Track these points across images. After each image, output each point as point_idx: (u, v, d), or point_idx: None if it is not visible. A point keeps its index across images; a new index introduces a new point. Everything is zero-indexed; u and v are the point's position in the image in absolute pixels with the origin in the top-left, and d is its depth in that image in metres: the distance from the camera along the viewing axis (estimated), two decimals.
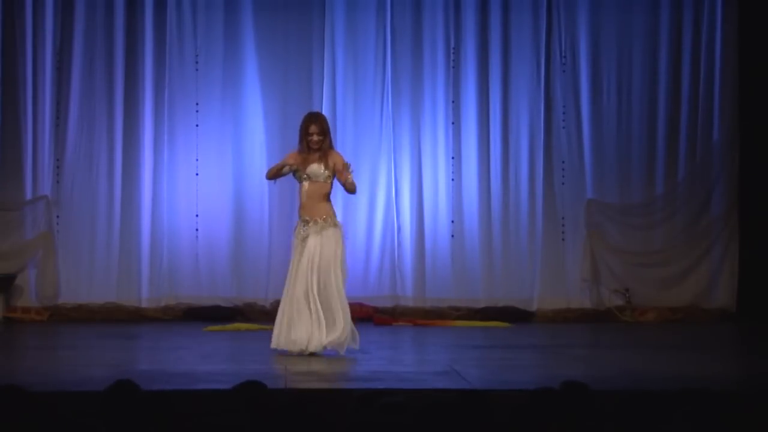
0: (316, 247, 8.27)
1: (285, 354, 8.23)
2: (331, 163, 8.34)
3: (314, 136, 8.37)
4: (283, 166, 8.50)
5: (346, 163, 8.34)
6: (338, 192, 8.81)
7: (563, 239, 11.67)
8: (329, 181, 8.38)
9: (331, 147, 8.44)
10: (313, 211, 8.34)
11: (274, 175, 8.61)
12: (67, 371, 7.54)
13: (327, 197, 8.38)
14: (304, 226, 8.36)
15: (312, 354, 8.17)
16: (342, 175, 8.30)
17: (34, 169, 11.29)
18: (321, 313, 8.18)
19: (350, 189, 8.42)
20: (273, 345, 8.33)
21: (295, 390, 6.70)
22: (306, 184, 8.39)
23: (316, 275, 8.24)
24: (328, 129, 8.45)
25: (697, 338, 10.45)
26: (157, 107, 11.42)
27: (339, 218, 8.51)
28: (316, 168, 8.35)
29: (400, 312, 11.39)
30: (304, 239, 8.33)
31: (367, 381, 7.26)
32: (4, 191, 11.29)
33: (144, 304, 11.35)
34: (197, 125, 11.46)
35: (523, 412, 4.40)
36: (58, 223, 11.33)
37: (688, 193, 11.71)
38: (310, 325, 8.19)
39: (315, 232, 8.30)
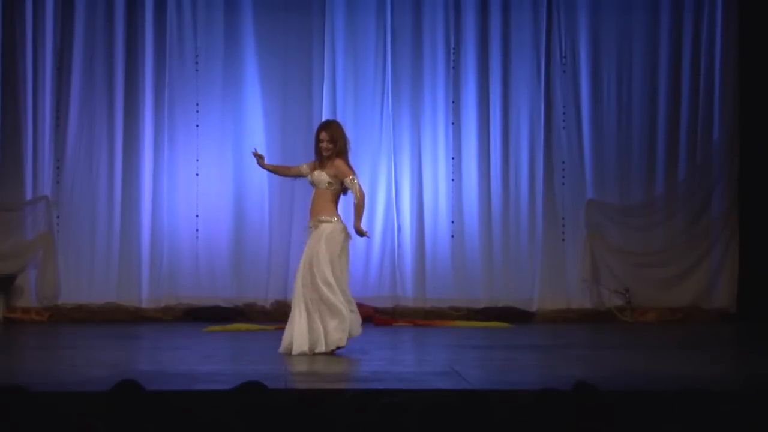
0: (309, 249, 8.32)
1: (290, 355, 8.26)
2: (333, 171, 8.38)
3: (323, 143, 8.44)
4: (258, 157, 8.78)
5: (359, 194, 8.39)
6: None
7: (563, 239, 11.67)
8: (333, 188, 8.40)
9: (339, 155, 8.43)
10: (315, 214, 8.41)
11: (274, 170, 8.99)
12: (67, 371, 7.54)
13: (331, 202, 8.41)
14: (310, 232, 8.43)
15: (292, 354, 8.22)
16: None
17: (34, 169, 11.29)
18: (306, 316, 8.24)
19: (357, 201, 8.44)
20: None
21: (295, 390, 6.70)
22: (314, 189, 8.49)
23: (303, 277, 8.29)
24: (339, 136, 8.45)
25: (697, 338, 10.45)
26: (157, 107, 11.42)
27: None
28: (318, 175, 8.43)
29: (401, 312, 11.39)
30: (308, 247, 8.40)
31: (367, 381, 7.26)
32: (4, 191, 11.29)
33: (144, 305, 11.35)
34: (197, 125, 11.46)
35: (525, 412, 4.40)
36: (58, 223, 11.33)
37: (688, 193, 11.70)
38: (294, 328, 8.24)
39: (312, 235, 8.35)
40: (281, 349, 8.33)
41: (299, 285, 8.33)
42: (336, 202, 8.47)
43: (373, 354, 8.48)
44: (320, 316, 8.27)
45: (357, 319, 8.43)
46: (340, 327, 8.26)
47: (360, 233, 8.51)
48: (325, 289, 8.24)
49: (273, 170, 8.93)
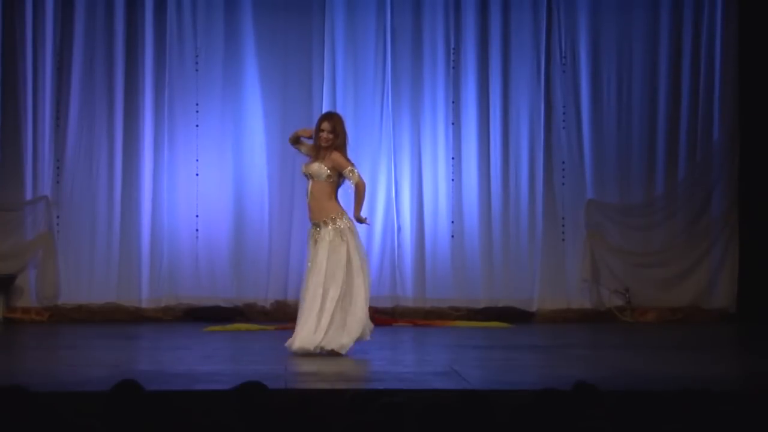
0: (326, 254, 8.29)
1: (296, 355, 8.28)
2: (329, 164, 8.36)
3: (324, 133, 8.42)
4: (303, 134, 8.61)
5: (351, 168, 8.36)
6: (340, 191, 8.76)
7: (563, 239, 11.67)
8: (331, 181, 8.38)
9: (338, 148, 8.42)
10: (320, 212, 8.37)
11: (293, 140, 8.71)
12: (67, 371, 7.55)
13: (332, 196, 8.40)
14: (315, 229, 8.39)
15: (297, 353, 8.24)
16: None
17: (34, 169, 11.29)
18: (323, 316, 8.22)
19: (357, 191, 8.42)
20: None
21: (295, 390, 6.70)
22: (310, 183, 8.45)
23: (323, 281, 8.26)
24: (341, 130, 8.44)
25: (697, 338, 10.45)
26: (157, 107, 11.42)
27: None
28: (317, 167, 8.39)
29: (400, 312, 11.39)
30: (316, 243, 8.35)
31: (367, 381, 7.27)
32: (4, 191, 11.28)
33: (144, 305, 11.34)
34: (197, 125, 11.45)
35: (525, 412, 4.40)
36: (58, 223, 11.33)
37: (688, 193, 11.70)
38: (306, 327, 8.23)
39: (325, 237, 8.31)
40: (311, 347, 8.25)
41: (316, 290, 8.29)
42: (336, 195, 8.45)
43: (373, 354, 8.47)
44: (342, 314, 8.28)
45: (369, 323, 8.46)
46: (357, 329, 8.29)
47: (360, 221, 8.49)
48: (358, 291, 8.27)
49: (295, 142, 8.73)
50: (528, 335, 10.35)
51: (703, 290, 11.65)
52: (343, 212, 8.39)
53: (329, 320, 8.20)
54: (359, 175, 8.40)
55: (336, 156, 8.38)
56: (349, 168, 8.36)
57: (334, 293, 8.22)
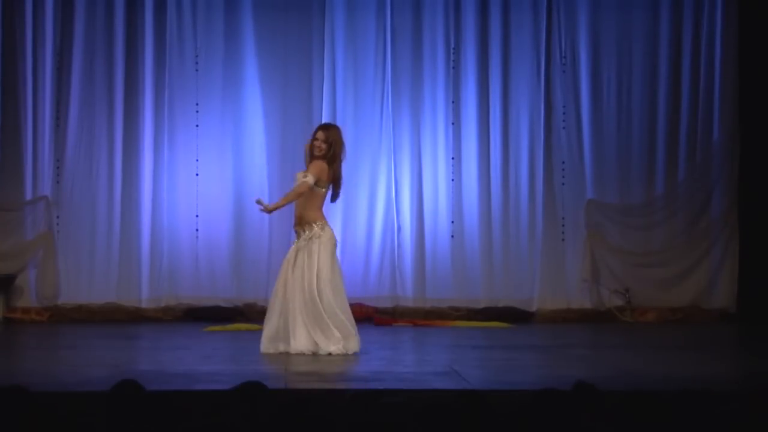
0: (299, 262, 8.34)
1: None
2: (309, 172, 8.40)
3: (318, 142, 8.45)
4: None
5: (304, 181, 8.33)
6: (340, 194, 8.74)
7: (563, 239, 11.67)
8: (313, 190, 8.37)
9: (331, 161, 8.40)
10: (300, 220, 8.45)
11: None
12: (67, 371, 7.54)
13: (312, 206, 8.38)
14: (296, 237, 8.46)
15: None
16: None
17: (34, 169, 11.30)
18: (288, 324, 8.34)
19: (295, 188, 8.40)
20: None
21: (295, 390, 6.70)
22: None
23: (292, 289, 8.34)
24: (335, 141, 8.43)
25: (697, 338, 10.46)
26: (157, 107, 11.43)
27: (336, 223, 8.55)
28: (302, 175, 8.41)
29: (400, 312, 11.39)
30: (296, 250, 8.39)
31: (367, 381, 7.26)
32: (4, 191, 11.29)
33: (144, 305, 11.35)
34: (197, 125, 11.46)
35: (525, 412, 4.40)
36: (58, 223, 11.33)
37: (688, 193, 11.71)
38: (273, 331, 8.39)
39: (301, 246, 8.36)
40: (270, 349, 8.38)
41: (299, 296, 8.34)
42: (320, 205, 8.43)
43: (373, 354, 8.48)
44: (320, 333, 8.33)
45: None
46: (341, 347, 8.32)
47: (260, 203, 8.45)
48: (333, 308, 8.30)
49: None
50: (528, 335, 10.35)
51: (703, 290, 11.65)
52: (321, 224, 8.37)
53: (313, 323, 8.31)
54: (307, 185, 8.30)
55: (314, 162, 8.39)
56: (307, 173, 8.35)
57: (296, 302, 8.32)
